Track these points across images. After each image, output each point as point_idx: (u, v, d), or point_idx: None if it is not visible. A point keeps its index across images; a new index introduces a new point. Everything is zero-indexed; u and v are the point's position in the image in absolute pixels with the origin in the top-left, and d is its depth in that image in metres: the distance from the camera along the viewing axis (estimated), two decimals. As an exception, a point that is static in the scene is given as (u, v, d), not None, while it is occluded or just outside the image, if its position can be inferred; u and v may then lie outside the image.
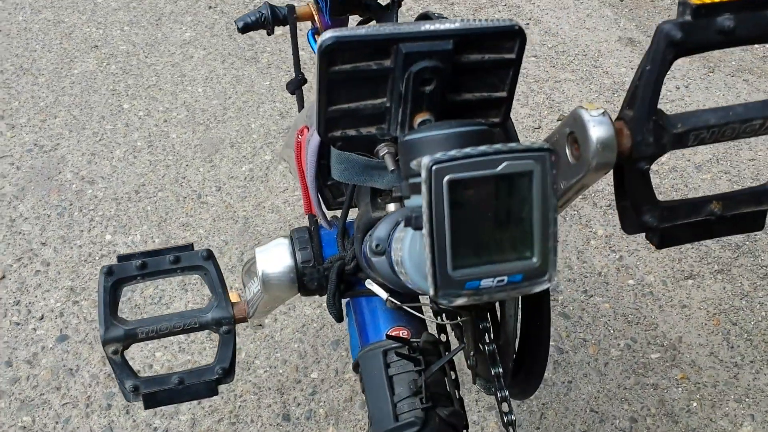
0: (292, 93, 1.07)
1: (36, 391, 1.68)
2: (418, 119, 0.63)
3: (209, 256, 1.12)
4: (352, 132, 0.66)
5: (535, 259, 0.52)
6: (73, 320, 1.83)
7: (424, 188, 0.49)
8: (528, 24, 3.01)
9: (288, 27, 1.10)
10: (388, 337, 0.83)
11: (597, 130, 0.62)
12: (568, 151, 0.68)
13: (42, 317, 1.84)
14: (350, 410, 1.64)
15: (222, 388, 1.69)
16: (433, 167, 0.49)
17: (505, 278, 0.52)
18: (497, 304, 0.86)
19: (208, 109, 2.56)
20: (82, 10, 3.11)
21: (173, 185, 2.24)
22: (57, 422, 1.62)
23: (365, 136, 0.66)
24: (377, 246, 0.70)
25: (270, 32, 1.12)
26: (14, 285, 1.92)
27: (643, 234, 0.74)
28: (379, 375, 0.84)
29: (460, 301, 0.52)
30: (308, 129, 0.81)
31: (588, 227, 2.09)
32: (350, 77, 0.62)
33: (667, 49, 0.65)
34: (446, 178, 0.49)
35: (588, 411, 1.64)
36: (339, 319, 0.90)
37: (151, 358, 1.75)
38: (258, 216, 2.13)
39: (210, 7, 3.13)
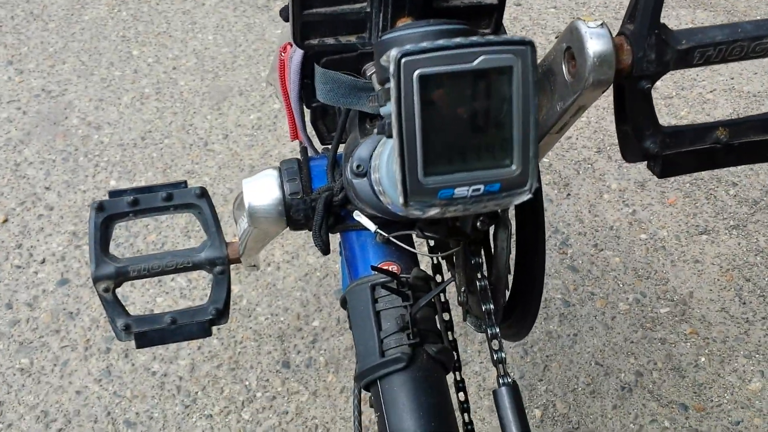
0: (286, 20, 1.02)
1: (35, 333, 1.67)
2: (399, 25, 0.59)
3: (203, 193, 1.09)
4: (330, 40, 0.61)
5: (514, 167, 0.48)
6: (74, 264, 1.82)
7: (392, 83, 0.45)
8: (547, -25, 2.92)
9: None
10: (375, 269, 0.80)
11: (594, 44, 0.57)
12: (564, 69, 0.64)
13: (43, 261, 1.83)
14: (351, 359, 1.62)
15: (222, 333, 1.67)
16: (402, 60, 0.45)
17: (482, 187, 0.48)
18: (491, 237, 0.82)
19: (217, 57, 2.52)
20: (93, -44, 3.06)
21: (180, 132, 2.21)
22: (55, 365, 1.61)
23: (344, 45, 0.62)
24: (358, 167, 0.66)
25: None
26: (17, 228, 1.91)
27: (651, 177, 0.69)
28: (366, 310, 0.81)
29: (432, 212, 0.48)
30: (291, 45, 0.77)
31: (602, 180, 2.03)
32: None
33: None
34: (416, 73, 0.45)
35: (593, 364, 1.60)
36: (325, 251, 0.86)
37: (152, 303, 1.73)
38: (265, 164, 2.09)
39: (223, -45, 3.07)
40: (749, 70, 2.41)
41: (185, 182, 1.10)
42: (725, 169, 2.06)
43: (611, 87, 0.64)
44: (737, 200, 1.97)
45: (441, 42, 0.45)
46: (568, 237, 1.88)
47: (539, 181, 0.71)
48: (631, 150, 0.69)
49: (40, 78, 2.42)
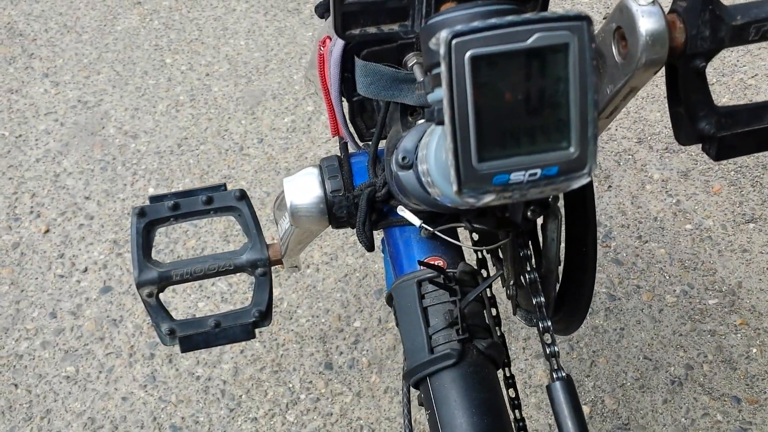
0: (321, 16, 1.01)
1: (80, 341, 1.68)
2: (445, 9, 0.57)
3: (242, 196, 1.08)
4: (372, 29, 0.60)
5: (572, 149, 0.46)
6: (116, 272, 1.83)
7: (443, 66, 0.43)
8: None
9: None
10: (422, 264, 0.78)
11: (646, 22, 0.55)
12: (614, 50, 0.62)
13: (86, 269, 1.84)
14: (393, 359, 1.60)
15: (264, 337, 1.67)
16: (453, 40, 0.43)
17: (538, 171, 0.46)
18: (539, 229, 0.80)
19: (250, 62, 2.52)
20: (124, -33, 3.09)
21: (215, 138, 2.21)
22: (101, 371, 1.61)
23: (387, 34, 0.60)
24: (404, 159, 0.65)
25: None
26: (58, 239, 1.92)
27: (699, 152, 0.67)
28: (413, 306, 0.79)
29: (488, 199, 0.46)
30: (330, 39, 0.76)
31: (643, 171, 2.00)
32: None
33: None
34: (468, 54, 0.43)
35: (641, 358, 1.57)
36: (370, 248, 0.85)
37: (194, 308, 1.74)
38: (300, 167, 2.08)
39: (251, -39, 3.07)
40: (791, 54, 2.36)
41: (225, 185, 1.09)
42: (770, 155, 2.01)
43: (663, 68, 0.62)
44: (784, 187, 1.92)
45: (493, 21, 0.44)
46: (611, 230, 1.85)
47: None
48: (684, 132, 0.67)
49: (76, 89, 2.44)
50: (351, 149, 0.89)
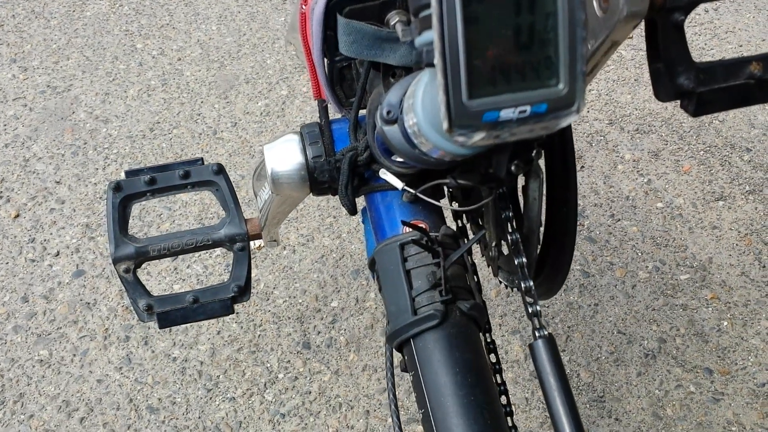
0: None
1: (53, 325, 1.66)
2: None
3: (220, 170, 1.08)
4: (356, -19, 0.60)
5: (561, 86, 0.47)
6: (89, 256, 1.81)
7: (433, 3, 0.44)
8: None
9: None
10: (405, 224, 0.78)
11: None
12: (596, 4, 0.62)
13: (57, 254, 1.82)
14: (371, 337, 1.61)
15: (241, 317, 1.66)
16: None
17: (528, 108, 0.47)
18: (520, 190, 0.81)
19: (222, 47, 2.51)
20: (92, -47, 3.05)
21: (188, 122, 2.20)
22: (74, 354, 1.60)
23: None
24: (388, 113, 0.65)
25: None
26: (29, 223, 1.90)
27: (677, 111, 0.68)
28: (396, 269, 0.79)
29: (478, 137, 0.47)
30: (313, -3, 0.76)
31: (615, 152, 2.02)
32: None
33: None
34: None
35: (615, 333, 1.59)
36: (353, 211, 0.85)
37: (168, 290, 1.72)
38: (274, 150, 2.08)
39: (221, -53, 3.05)
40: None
41: (202, 159, 1.09)
42: (738, 135, 2.04)
43: (642, 24, 0.63)
44: (752, 165, 1.95)
45: None
46: (584, 209, 1.87)
47: (568, 126, 0.70)
48: (664, 88, 0.68)
49: (45, 75, 2.41)
50: (332, 111, 0.89)
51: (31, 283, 1.75)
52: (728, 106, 0.69)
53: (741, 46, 2.38)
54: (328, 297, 1.70)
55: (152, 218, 1.89)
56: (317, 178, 0.86)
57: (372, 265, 0.85)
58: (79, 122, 2.21)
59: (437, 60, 0.45)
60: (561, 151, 0.79)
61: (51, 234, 1.87)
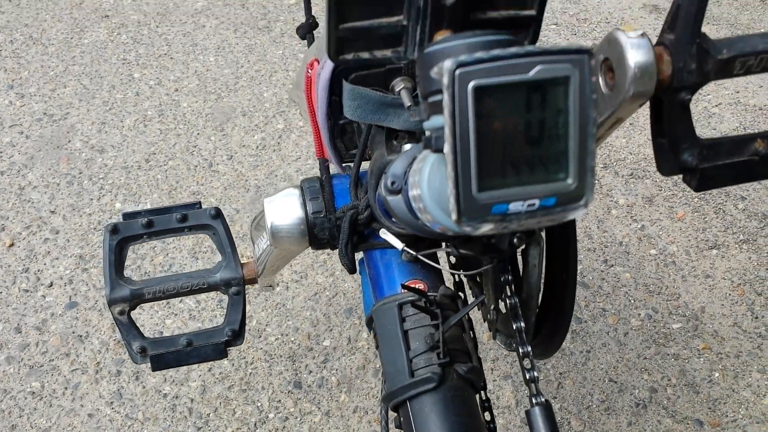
0: (303, 38, 1.02)
1: (45, 357, 1.65)
2: (438, 38, 0.58)
3: (218, 214, 1.08)
4: (365, 54, 0.61)
5: (570, 181, 0.47)
6: (82, 287, 1.80)
7: (446, 96, 0.44)
8: (546, -7, 2.93)
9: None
10: (404, 287, 0.79)
11: (635, 54, 0.56)
12: (601, 81, 0.63)
13: (51, 284, 1.81)
14: (363, 378, 1.60)
15: (232, 355, 1.66)
16: (457, 71, 0.44)
17: (536, 202, 0.47)
18: (519, 254, 0.82)
19: (219, 78, 2.52)
20: (93, -20, 3.06)
21: (184, 154, 2.20)
22: (66, 388, 1.59)
23: (380, 60, 0.61)
24: (393, 183, 0.65)
25: None
26: (23, 253, 1.89)
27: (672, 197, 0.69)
28: (394, 329, 0.80)
29: (486, 228, 0.47)
30: (318, 62, 0.76)
31: (609, 196, 2.03)
32: None
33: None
34: (471, 84, 0.44)
35: (606, 381, 1.59)
36: (352, 270, 0.86)
37: (161, 326, 1.72)
38: (270, 184, 2.09)
39: (222, -23, 3.07)
40: (755, 84, 2.42)
41: (200, 203, 1.09)
42: (732, 183, 2.06)
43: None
44: (746, 214, 1.96)
45: (497, 52, 0.44)
46: (577, 253, 1.87)
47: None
48: (667, 163, 0.68)
49: (42, 102, 2.41)
50: (333, 171, 0.89)
51: (24, 313, 1.74)
52: (731, 181, 0.69)
53: (738, 92, 2.41)
54: (321, 336, 1.69)
55: (146, 251, 1.89)
56: (317, 235, 0.87)
57: (370, 323, 0.85)
58: (74, 151, 2.21)
59: (448, 152, 0.46)
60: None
61: (45, 264, 1.86)
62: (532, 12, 0.61)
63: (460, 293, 0.97)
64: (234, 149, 2.22)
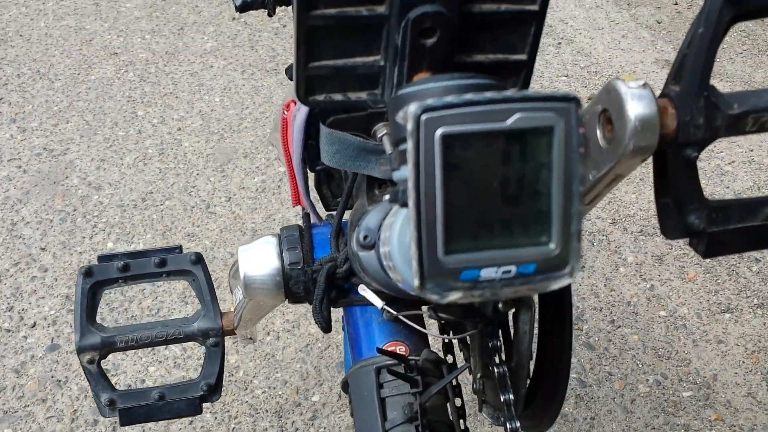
0: (291, 78, 0.96)
1: (21, 402, 1.57)
2: (417, 79, 0.52)
3: (198, 259, 1.02)
4: (338, 96, 0.54)
5: (552, 246, 0.40)
6: (65, 329, 1.73)
7: (410, 144, 0.38)
8: (560, 44, 2.90)
9: (291, 8, 0.99)
10: (380, 351, 0.71)
11: (636, 106, 0.50)
12: (599, 134, 0.57)
13: (34, 324, 1.75)
14: (352, 438, 1.52)
15: (216, 407, 1.58)
16: (423, 116, 0.37)
17: (513, 268, 0.40)
18: (510, 318, 0.74)
19: (223, 119, 2.47)
20: (104, 17, 3.05)
21: (182, 194, 2.15)
22: (38, 437, 1.51)
23: (354, 102, 0.54)
24: (365, 238, 0.59)
25: (271, 13, 1.00)
26: (9, 290, 1.83)
27: (684, 242, 0.62)
28: (370, 396, 0.72)
29: (454, 296, 0.40)
30: (295, 103, 0.70)
31: (617, 253, 1.95)
32: (336, 26, 0.51)
33: (725, 7, 0.53)
34: (439, 132, 0.37)
35: (611, 451, 1.50)
36: (326, 329, 0.78)
37: (144, 373, 1.64)
38: (267, 228, 2.02)
39: (233, 19, 3.05)
40: (769, 143, 2.36)
41: (180, 247, 1.03)
42: (746, 244, 1.98)
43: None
44: (761, 277, 1.88)
45: (469, 96, 0.38)
46: (583, 312, 1.79)
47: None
48: (671, 225, 0.61)
49: (43, 137, 2.37)
50: (313, 220, 0.83)
51: (3, 354, 1.67)
52: (742, 248, 0.63)
53: (752, 150, 2.34)
54: (310, 390, 1.61)
55: (134, 294, 1.82)
56: (292, 288, 0.80)
57: (345, 387, 0.78)
58: (71, 188, 2.16)
59: (411, 207, 0.39)
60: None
61: (30, 303, 1.80)
62: (523, 57, 0.55)
63: (448, 356, 0.90)
64: (233, 191, 2.16)
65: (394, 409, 0.71)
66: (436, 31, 0.50)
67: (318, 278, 0.77)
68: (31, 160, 2.27)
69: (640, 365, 1.66)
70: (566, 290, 0.74)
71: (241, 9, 0.98)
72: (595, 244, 1.98)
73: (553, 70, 2.74)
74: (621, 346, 1.71)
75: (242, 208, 2.10)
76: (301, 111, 0.68)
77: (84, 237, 1.99)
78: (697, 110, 0.55)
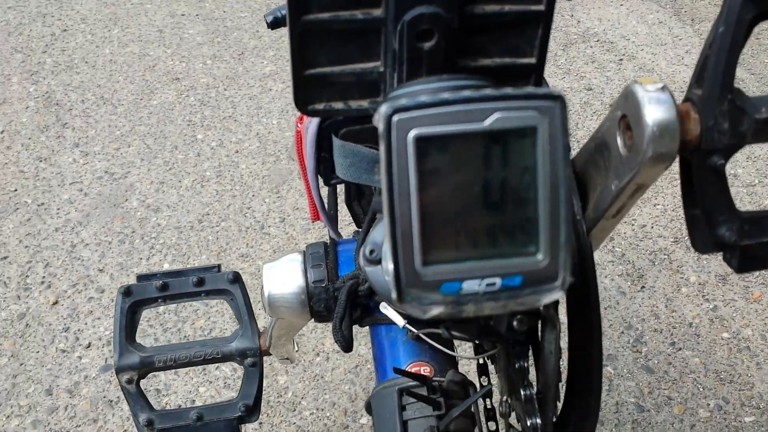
0: None
1: (72, 422, 1.59)
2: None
3: (236, 278, 1.02)
4: (338, 104, 0.52)
5: (540, 256, 0.37)
6: (119, 349, 1.75)
7: (381, 147, 0.35)
8: (621, 60, 2.83)
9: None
10: (398, 371, 0.69)
11: (653, 110, 0.47)
12: (620, 141, 0.54)
13: (89, 345, 1.77)
14: (399, 462, 1.49)
15: (264, 428, 1.57)
16: (394, 117, 0.35)
17: (497, 281, 0.37)
18: (540, 335, 0.71)
19: (280, 141, 2.49)
20: (167, 44, 3.12)
21: (237, 215, 2.16)
22: (89, 456, 1.53)
23: (356, 111, 0.52)
24: (371, 252, 0.57)
25: None
26: (66, 311, 1.86)
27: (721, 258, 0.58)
28: (392, 418, 0.70)
29: (435, 311, 0.38)
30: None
31: (679, 273, 1.88)
32: (331, 30, 0.49)
33: (745, 5, 0.50)
34: (412, 134, 0.35)
35: (670, 479, 1.43)
36: (347, 348, 0.76)
37: (194, 393, 1.65)
38: (320, 249, 2.02)
39: (292, 42, 3.08)
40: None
41: (218, 266, 1.03)
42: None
43: (677, 163, 0.54)
44: (832, 297, 1.79)
45: (444, 96, 0.35)
46: (643, 334, 1.73)
47: (593, 267, 0.60)
48: (701, 238, 0.58)
49: (105, 160, 2.43)
50: (333, 236, 0.81)
51: (57, 374, 1.70)
52: (780, 263, 0.58)
53: (823, 164, 2.24)
54: (358, 413, 1.59)
55: (187, 314, 1.83)
56: (313, 306, 0.78)
57: (369, 408, 0.75)
58: (130, 210, 2.20)
59: (385, 216, 0.37)
60: (582, 293, 0.67)
61: (86, 324, 1.83)
62: (532, 60, 0.52)
63: (480, 377, 0.86)
64: (287, 212, 2.17)
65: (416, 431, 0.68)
66: (434, 34, 0.48)
67: (339, 296, 0.75)
68: (93, 183, 2.32)
69: (701, 389, 1.59)
70: (594, 305, 0.70)
71: (272, 26, 0.98)
72: (656, 263, 1.91)
73: (614, 87, 2.68)
74: (681, 369, 1.63)
75: (296, 228, 2.10)
76: (313, 123, 0.67)
77: (141, 258, 2.02)
78: (721, 115, 0.52)
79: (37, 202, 2.23)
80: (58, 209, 2.20)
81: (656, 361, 1.66)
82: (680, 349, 1.69)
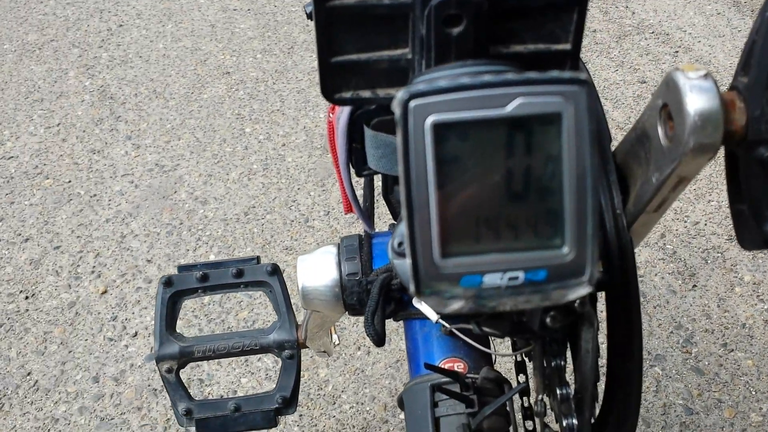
0: None
1: (117, 409, 1.62)
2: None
3: (275, 270, 1.02)
4: (366, 93, 0.51)
5: (566, 249, 0.35)
6: (165, 339, 1.77)
7: (398, 135, 0.34)
8: (677, 52, 2.76)
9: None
10: (429, 367, 0.67)
11: (695, 99, 0.45)
12: (661, 131, 0.52)
13: (136, 334, 1.79)
14: (440, 459, 1.47)
15: (304, 421, 1.57)
16: (411, 103, 0.33)
17: (520, 274, 0.35)
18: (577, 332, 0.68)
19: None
20: (219, 38, 3.14)
21: (282, 208, 2.17)
22: (133, 444, 1.54)
23: (383, 99, 0.51)
24: (399, 245, 0.55)
25: None
26: (114, 300, 1.89)
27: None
28: (424, 415, 0.68)
29: (455, 305, 0.36)
30: (339, 105, 0.67)
31: (733, 272, 1.82)
32: (357, 16, 0.47)
33: (795, -12, 0.48)
34: (429, 120, 0.33)
35: (718, 485, 1.39)
36: (379, 342, 0.75)
37: (236, 384, 1.66)
38: (365, 243, 2.01)
39: (341, 35, 3.08)
40: None
41: (258, 258, 1.03)
42: None
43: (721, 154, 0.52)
44: None
45: (463, 80, 0.34)
46: (693, 334, 1.68)
47: (633, 263, 0.57)
48: (749, 234, 0.55)
49: (155, 153, 2.46)
50: (365, 229, 0.80)
51: (104, 362, 1.73)
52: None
53: None
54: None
55: (232, 305, 1.84)
56: (346, 299, 0.77)
57: (401, 403, 0.74)
58: (179, 202, 2.22)
59: (402, 205, 0.35)
60: (622, 290, 0.65)
61: (133, 313, 1.85)
62: (567, 46, 0.50)
63: (518, 374, 0.84)
64: (332, 205, 2.16)
65: (448, 429, 0.67)
66: (463, 19, 0.46)
67: (372, 289, 0.73)
68: (143, 176, 2.35)
69: (753, 392, 1.54)
70: (634, 304, 0.67)
71: (311, 16, 0.97)
72: (709, 261, 1.86)
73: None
74: (733, 372, 1.59)
75: (340, 222, 2.10)
76: (344, 113, 0.66)
77: (188, 249, 2.04)
78: (768, 104, 0.49)
79: (89, 193, 2.26)
80: (110, 200, 2.24)
81: (706, 363, 1.61)
82: (732, 350, 1.64)
